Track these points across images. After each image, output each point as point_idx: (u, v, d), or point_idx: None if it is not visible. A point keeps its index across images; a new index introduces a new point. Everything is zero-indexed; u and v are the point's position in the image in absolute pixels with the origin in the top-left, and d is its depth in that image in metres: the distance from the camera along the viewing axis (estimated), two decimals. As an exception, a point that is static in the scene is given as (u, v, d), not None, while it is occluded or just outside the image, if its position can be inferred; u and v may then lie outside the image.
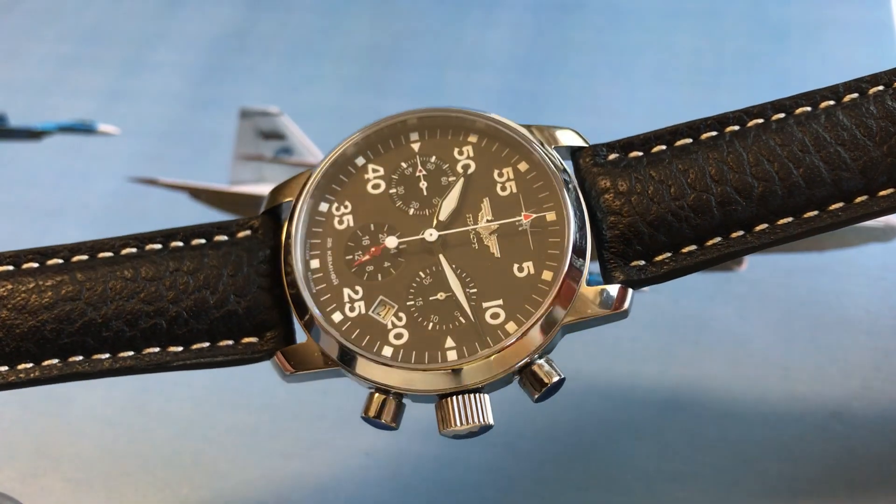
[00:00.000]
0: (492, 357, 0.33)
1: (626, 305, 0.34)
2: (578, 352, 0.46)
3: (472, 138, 0.36)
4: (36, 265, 0.35)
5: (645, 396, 0.44)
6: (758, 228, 0.34)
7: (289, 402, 0.45)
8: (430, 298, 0.34)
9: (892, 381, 0.44)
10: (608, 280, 0.34)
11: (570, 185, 0.34)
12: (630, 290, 0.34)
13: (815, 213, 0.34)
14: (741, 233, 0.34)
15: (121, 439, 0.44)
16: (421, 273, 0.34)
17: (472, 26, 0.60)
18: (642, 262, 0.34)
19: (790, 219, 0.34)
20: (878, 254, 0.48)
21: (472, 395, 0.33)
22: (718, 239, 0.34)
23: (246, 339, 0.35)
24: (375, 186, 0.36)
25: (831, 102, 0.35)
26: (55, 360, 0.34)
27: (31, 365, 0.34)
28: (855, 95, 0.35)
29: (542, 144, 0.35)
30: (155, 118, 0.59)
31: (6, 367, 0.34)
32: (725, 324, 0.46)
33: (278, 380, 0.46)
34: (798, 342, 0.45)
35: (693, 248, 0.34)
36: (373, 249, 0.35)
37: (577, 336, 0.47)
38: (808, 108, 0.35)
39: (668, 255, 0.34)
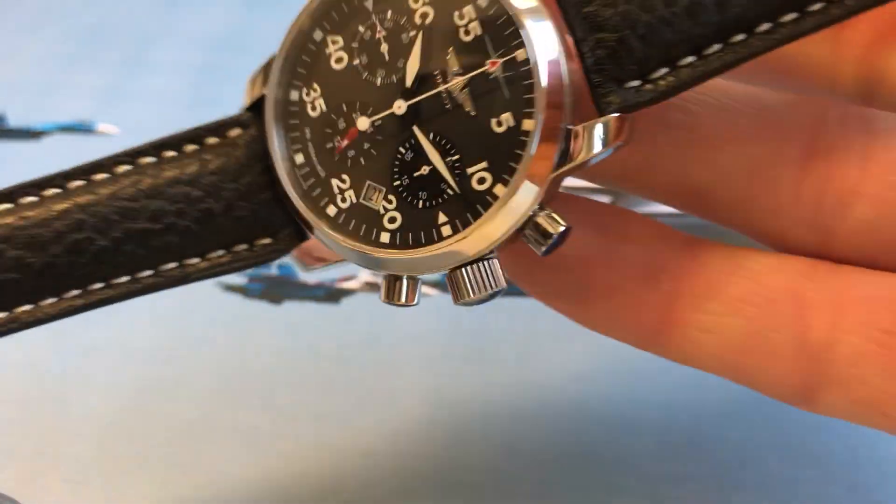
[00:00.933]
0: (486, 225, 0.31)
1: (624, 135, 0.30)
2: (578, 352, 0.46)
3: None
4: (35, 199, 0.34)
5: (645, 396, 0.44)
6: (761, 28, 0.30)
7: (289, 403, 0.45)
8: (415, 175, 0.32)
9: (892, 380, 0.44)
10: (602, 109, 0.30)
11: (538, 9, 0.31)
12: (629, 117, 0.31)
13: (822, 4, 0.29)
14: (742, 36, 0.30)
15: (120, 439, 0.44)
16: (401, 149, 0.32)
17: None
18: (637, 83, 0.30)
19: (795, 14, 0.30)
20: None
21: (480, 264, 0.31)
22: (718, 46, 0.30)
23: (260, 241, 0.34)
24: (339, 61, 0.33)
25: None
26: (76, 291, 0.33)
27: (54, 300, 0.33)
28: None
29: None
30: (155, 118, 0.59)
31: (31, 305, 0.34)
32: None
33: (278, 380, 0.47)
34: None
35: (691, 59, 0.30)
36: (350, 132, 0.32)
37: (576, 336, 0.47)
38: None
39: (665, 70, 0.30)
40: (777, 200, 0.33)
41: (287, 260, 0.51)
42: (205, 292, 0.50)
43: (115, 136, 0.58)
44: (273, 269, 0.51)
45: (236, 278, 0.51)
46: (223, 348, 0.48)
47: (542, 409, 0.44)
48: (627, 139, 0.31)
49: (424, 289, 0.50)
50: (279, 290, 0.50)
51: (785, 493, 0.41)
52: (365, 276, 0.50)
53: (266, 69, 0.34)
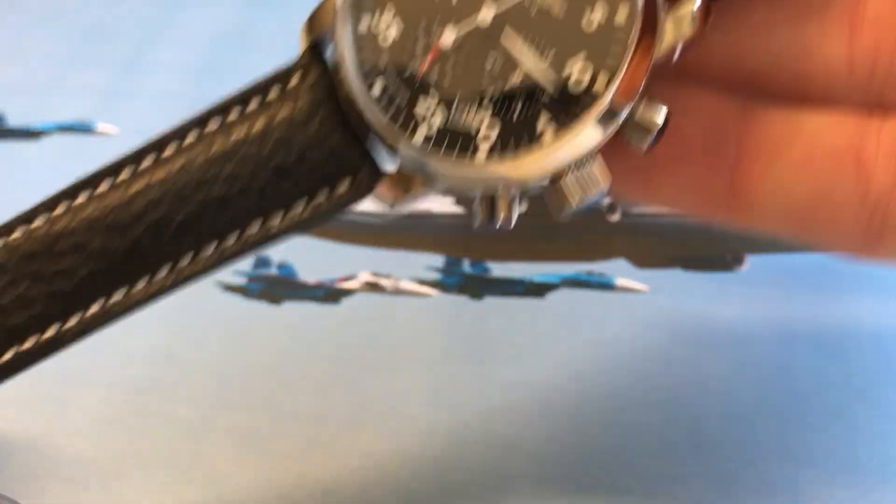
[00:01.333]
0: (589, 122, 0.30)
1: (711, 19, 0.31)
2: (578, 351, 0.46)
3: None
4: (109, 184, 0.34)
5: (645, 396, 0.44)
6: None
7: (288, 403, 0.45)
8: (507, 84, 0.31)
9: (893, 381, 0.44)
10: None
11: None
12: (714, 3, 0.31)
13: None
14: None
15: (120, 440, 0.44)
16: (490, 59, 0.31)
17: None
18: None
19: None
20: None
21: (583, 168, 0.30)
22: None
23: (339, 188, 0.33)
24: None
25: None
26: (166, 270, 0.33)
27: (146, 281, 0.33)
28: None
29: None
30: (155, 118, 0.59)
31: (126, 289, 0.33)
32: (725, 324, 0.46)
33: (278, 380, 0.46)
34: (798, 342, 0.45)
35: None
36: (431, 52, 0.32)
37: (576, 336, 0.47)
38: None
39: None
40: (831, 75, 0.33)
41: (287, 260, 0.51)
42: (205, 292, 0.50)
43: (114, 136, 0.58)
44: (273, 269, 0.51)
45: (236, 278, 0.51)
46: (223, 348, 0.48)
47: (542, 408, 0.44)
48: (712, 24, 0.31)
49: (424, 289, 0.50)
50: (279, 291, 0.50)
51: (785, 493, 0.41)
52: (365, 276, 0.50)
53: (322, 8, 0.33)
